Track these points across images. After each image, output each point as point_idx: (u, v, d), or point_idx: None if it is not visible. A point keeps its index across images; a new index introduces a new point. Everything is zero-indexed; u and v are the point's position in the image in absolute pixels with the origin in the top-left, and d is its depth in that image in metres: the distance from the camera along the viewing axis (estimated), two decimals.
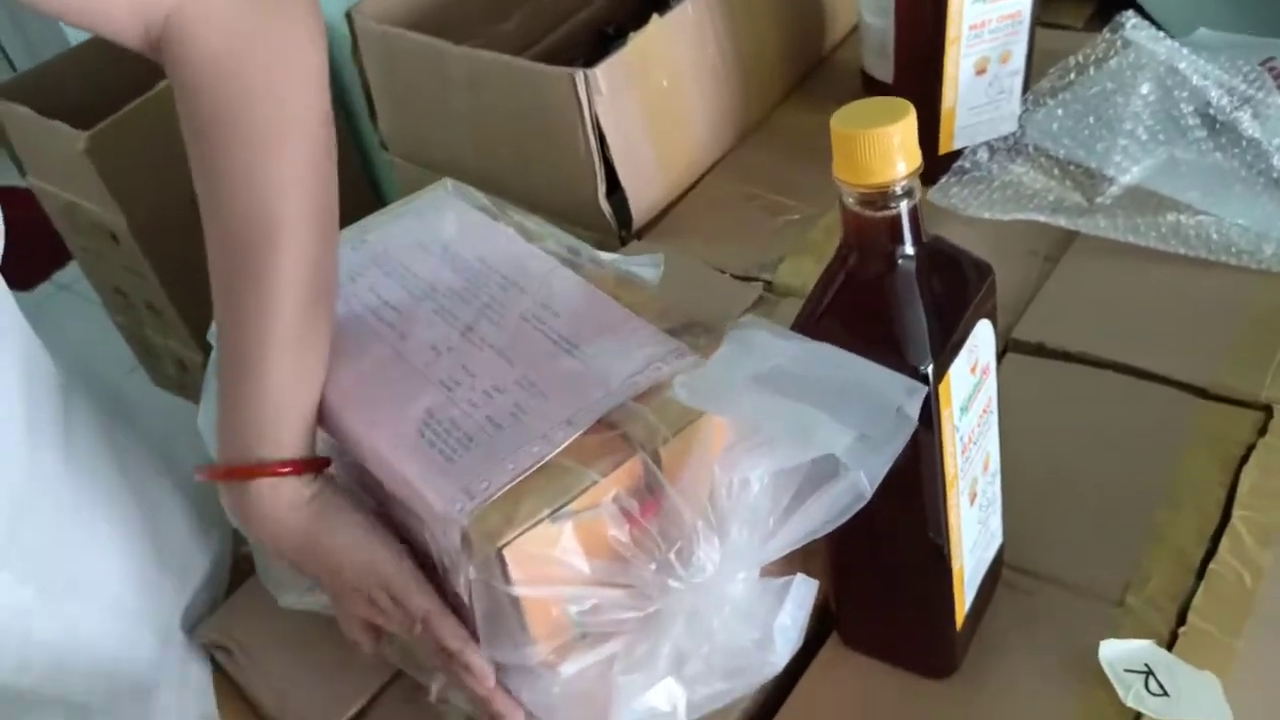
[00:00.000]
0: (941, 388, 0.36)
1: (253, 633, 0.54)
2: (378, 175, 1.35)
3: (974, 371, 0.38)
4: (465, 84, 0.70)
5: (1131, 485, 0.50)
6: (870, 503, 0.41)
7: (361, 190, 1.36)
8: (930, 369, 0.35)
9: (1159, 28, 0.86)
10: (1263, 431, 0.50)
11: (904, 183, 0.34)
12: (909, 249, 0.35)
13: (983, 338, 0.38)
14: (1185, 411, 0.53)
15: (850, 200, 0.35)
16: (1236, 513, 0.47)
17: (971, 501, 0.41)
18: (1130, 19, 0.65)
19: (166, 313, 1.21)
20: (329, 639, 0.48)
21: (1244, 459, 0.49)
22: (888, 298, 0.35)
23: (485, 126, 0.71)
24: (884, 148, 0.33)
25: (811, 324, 0.37)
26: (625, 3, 0.96)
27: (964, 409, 0.38)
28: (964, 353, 0.37)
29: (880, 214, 0.35)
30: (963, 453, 0.38)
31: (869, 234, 0.35)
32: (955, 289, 0.37)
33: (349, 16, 0.73)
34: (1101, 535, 0.48)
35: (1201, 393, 0.53)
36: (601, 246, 0.71)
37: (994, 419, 0.41)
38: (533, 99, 0.67)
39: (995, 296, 0.39)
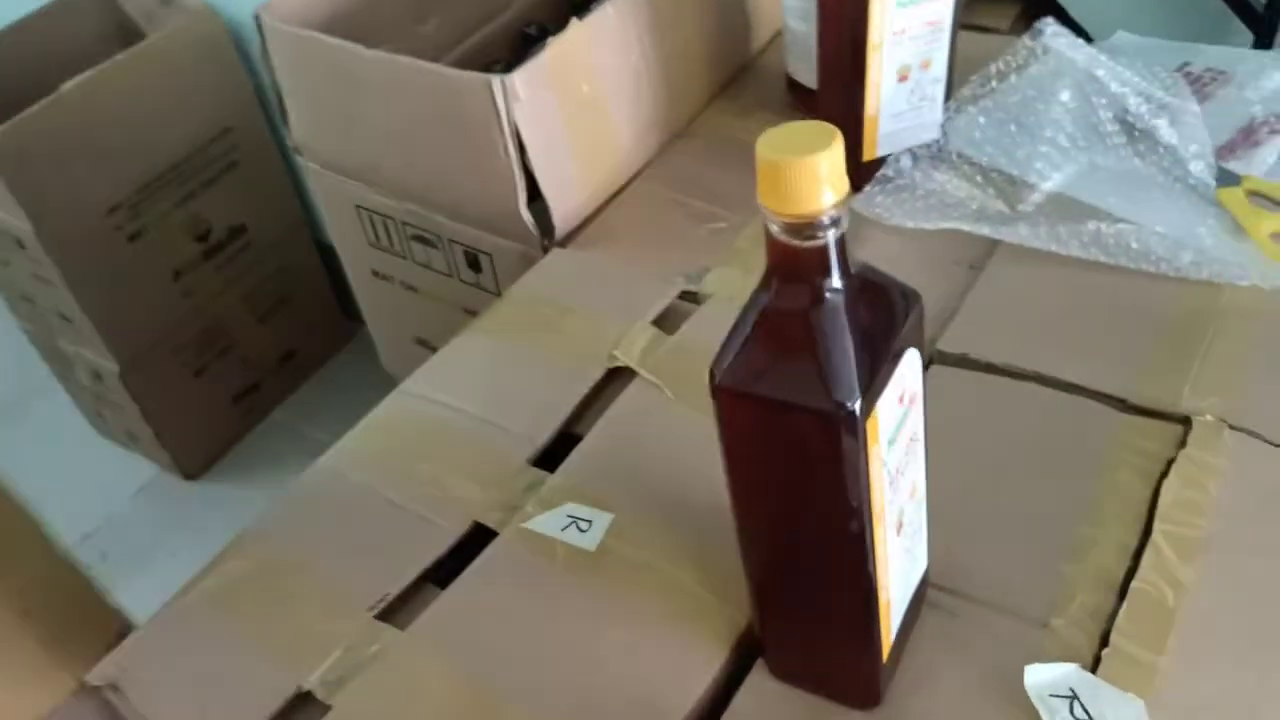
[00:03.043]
0: (869, 423, 0.35)
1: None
2: (301, 182, 1.31)
3: (902, 402, 0.37)
4: (380, 90, 0.67)
5: (1054, 501, 0.50)
6: (796, 534, 0.40)
7: (286, 197, 1.32)
8: (858, 405, 0.34)
9: (1079, 32, 0.87)
10: (1182, 444, 0.51)
11: (832, 212, 0.33)
12: (836, 281, 0.34)
13: (910, 366, 0.38)
14: (1106, 424, 0.53)
15: (776, 228, 0.34)
16: (1158, 527, 0.47)
17: (898, 531, 0.40)
18: (1049, 26, 0.66)
19: (79, 322, 1.15)
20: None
21: (1164, 473, 0.50)
22: (814, 332, 0.34)
23: (402, 133, 0.69)
24: (811, 176, 0.32)
25: (735, 354, 0.36)
26: (547, 4, 0.94)
27: (891, 441, 0.37)
28: (892, 384, 0.36)
29: (807, 243, 0.34)
30: (890, 484, 0.38)
31: (795, 263, 0.34)
32: (883, 318, 0.36)
33: (256, 17, 0.70)
34: (1025, 552, 0.48)
35: (1122, 404, 0.54)
36: (524, 255, 0.70)
37: (920, 446, 0.41)
38: (449, 106, 0.64)
39: (923, 323, 0.38)
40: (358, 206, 0.77)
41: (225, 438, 1.35)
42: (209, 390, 1.30)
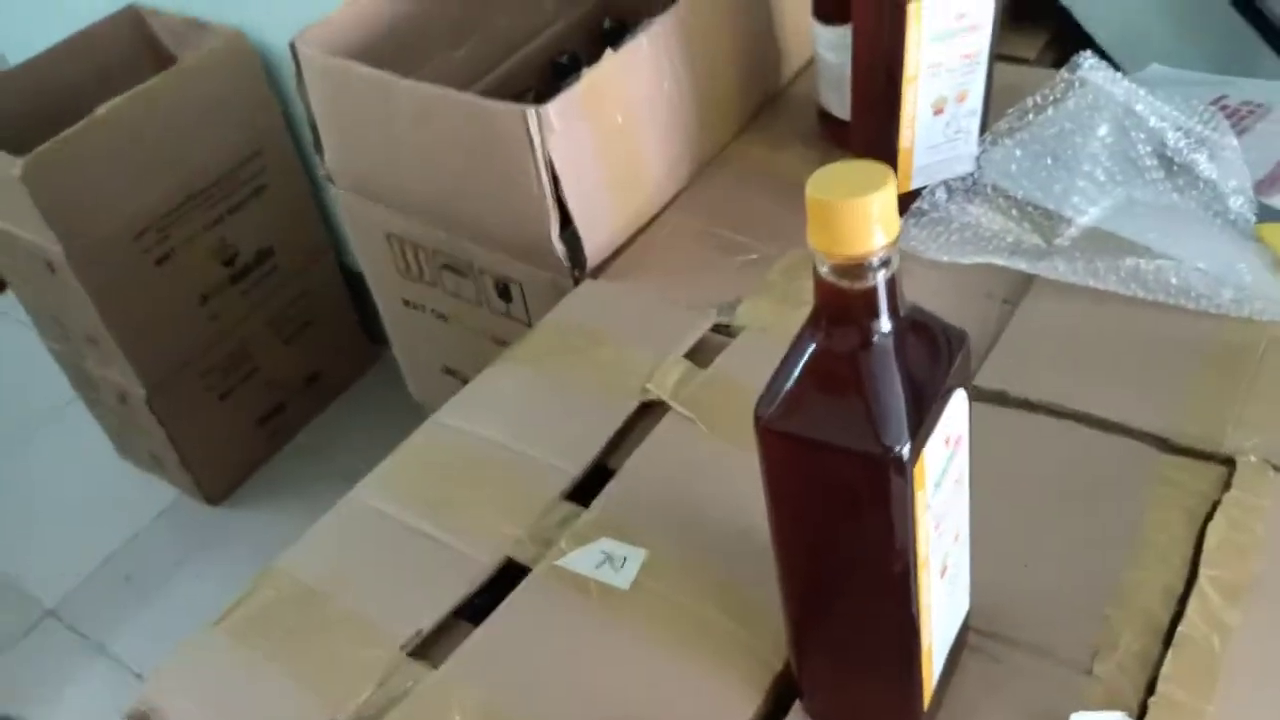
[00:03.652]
0: (916, 467, 0.34)
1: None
2: (327, 206, 1.31)
3: (948, 444, 0.37)
4: (413, 118, 0.67)
5: (1097, 543, 0.49)
6: (838, 575, 0.40)
7: (312, 222, 1.33)
8: (907, 449, 0.33)
9: (1113, 63, 0.86)
10: (1227, 485, 0.50)
11: (883, 253, 0.33)
12: (885, 324, 0.34)
13: (957, 408, 0.37)
14: (1148, 464, 0.52)
15: (825, 269, 0.33)
16: (1203, 571, 0.47)
17: (942, 575, 0.39)
18: (1087, 59, 0.65)
19: (105, 344, 1.16)
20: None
21: (1209, 514, 0.49)
22: (862, 375, 0.34)
23: (435, 161, 0.69)
24: (863, 217, 0.32)
25: (782, 395, 0.35)
26: (578, 32, 0.95)
27: (938, 484, 0.36)
28: (939, 426, 0.35)
29: (856, 285, 0.33)
30: (936, 528, 0.37)
31: (844, 305, 0.34)
32: (931, 359, 0.36)
33: (292, 46, 0.70)
34: (1068, 596, 0.47)
35: (1164, 443, 0.53)
36: (555, 285, 0.70)
37: (965, 488, 0.40)
38: (483, 135, 0.64)
39: (970, 364, 0.38)
40: (388, 235, 0.77)
41: (249, 462, 1.36)
42: (234, 413, 1.31)
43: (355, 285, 1.30)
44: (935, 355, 0.36)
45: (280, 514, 1.30)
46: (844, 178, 0.32)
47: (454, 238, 0.72)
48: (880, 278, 0.33)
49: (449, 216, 0.71)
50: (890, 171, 0.32)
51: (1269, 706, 0.42)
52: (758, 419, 0.36)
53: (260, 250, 1.27)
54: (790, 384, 0.35)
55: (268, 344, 1.32)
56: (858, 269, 0.33)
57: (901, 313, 0.34)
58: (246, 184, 1.22)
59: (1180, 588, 0.47)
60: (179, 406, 1.24)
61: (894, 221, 0.32)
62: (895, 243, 0.33)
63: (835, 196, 0.32)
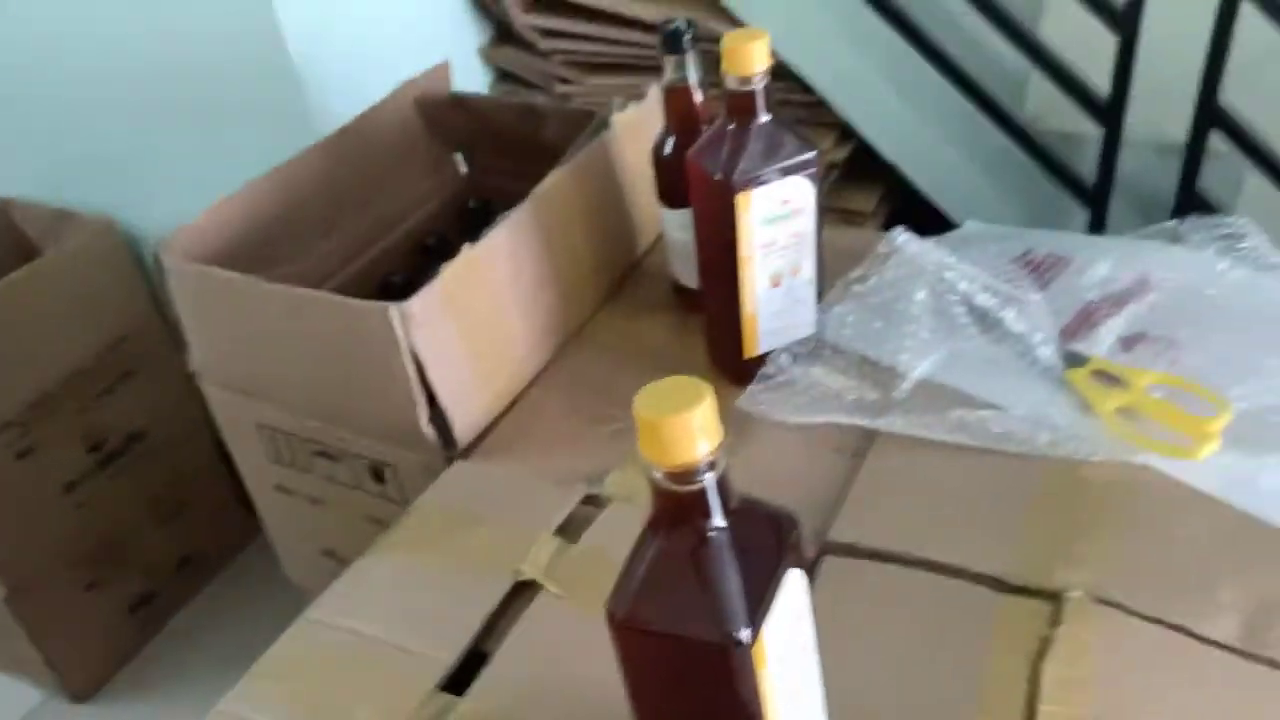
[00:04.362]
0: (758, 649, 0.37)
1: None
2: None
3: (789, 620, 0.40)
4: (281, 318, 0.70)
5: (945, 688, 0.52)
6: None
7: (184, 401, 1.31)
8: (747, 634, 0.36)
9: (941, 212, 0.95)
10: (1056, 621, 0.54)
11: (709, 458, 0.36)
12: (719, 520, 0.37)
13: (794, 586, 0.40)
14: (987, 605, 0.56)
15: (658, 476, 0.37)
16: (1042, 708, 0.50)
17: None
18: (900, 234, 0.73)
19: None
20: None
21: (1042, 652, 0.53)
22: (701, 569, 0.37)
23: (302, 356, 0.71)
24: (687, 430, 0.35)
25: (631, 593, 0.38)
26: (446, 211, 0.99)
27: (781, 659, 0.39)
28: (778, 606, 0.38)
29: (688, 488, 0.37)
30: (785, 699, 0.40)
31: (679, 506, 0.37)
32: (764, 546, 0.39)
33: (155, 258, 0.72)
34: None
35: (1000, 584, 0.57)
36: (428, 466, 0.71)
37: (812, 655, 0.43)
38: (349, 331, 0.67)
39: (803, 542, 0.41)
40: (259, 425, 0.78)
41: (120, 654, 1.29)
42: (102, 604, 1.25)
43: (231, 460, 1.28)
44: (768, 540, 0.40)
45: (154, 707, 1.23)
46: (668, 394, 0.36)
47: (326, 426, 0.74)
48: (709, 479, 0.37)
49: (319, 406, 0.73)
50: (708, 386, 0.36)
51: None
52: (610, 615, 0.38)
53: (130, 433, 1.25)
54: (637, 582, 0.38)
55: (139, 527, 1.28)
56: (688, 474, 0.36)
57: (733, 505, 0.38)
58: (113, 368, 1.21)
59: None
60: (42, 603, 1.18)
61: (716, 430, 0.36)
62: (719, 449, 0.36)
63: (661, 414, 0.35)
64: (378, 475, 0.74)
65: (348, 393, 0.71)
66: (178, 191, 0.95)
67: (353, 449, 0.74)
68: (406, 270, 0.91)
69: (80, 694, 1.26)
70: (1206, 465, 0.62)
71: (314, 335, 0.69)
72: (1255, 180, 1.04)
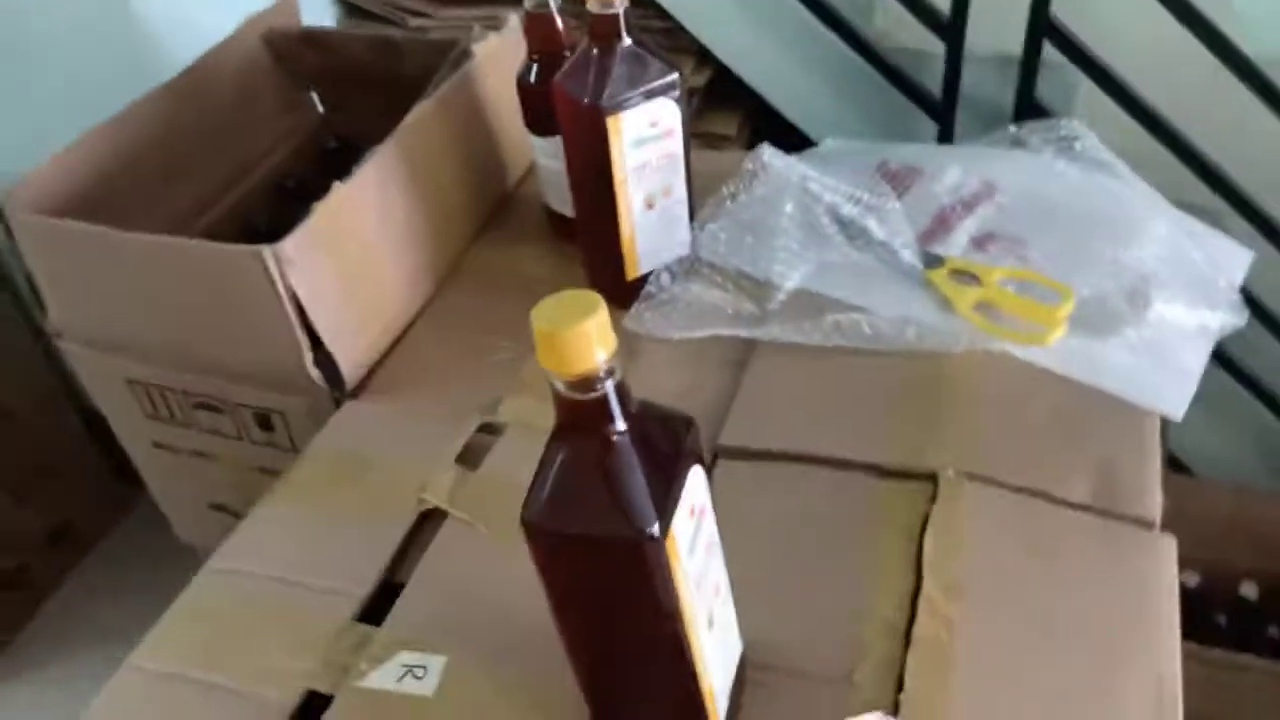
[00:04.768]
0: (669, 541, 0.39)
1: None
2: (56, 352, 1.23)
3: (693, 515, 0.42)
4: (144, 269, 0.67)
5: (841, 568, 0.56)
6: (620, 647, 0.44)
7: (38, 370, 1.24)
8: (656, 528, 0.38)
9: (801, 133, 0.98)
10: (933, 499, 0.59)
11: (606, 366, 0.38)
12: (620, 424, 0.39)
13: (696, 483, 0.42)
14: (870, 491, 0.60)
15: (560, 386, 0.38)
16: (926, 578, 0.55)
17: (710, 627, 0.44)
18: (766, 151, 0.75)
19: None
20: None
21: (923, 526, 0.57)
22: (609, 473, 0.39)
23: (170, 307, 0.69)
24: (585, 339, 0.37)
25: (543, 498, 0.39)
26: (303, 155, 0.96)
27: (690, 552, 0.41)
28: (683, 502, 0.41)
29: (589, 396, 0.38)
30: (696, 589, 0.42)
31: (582, 415, 0.39)
32: (665, 446, 0.41)
33: (0, 210, 0.68)
34: (824, 620, 0.54)
35: (879, 470, 0.61)
36: (315, 410, 0.71)
37: (717, 548, 0.46)
38: (219, 277, 0.65)
39: (700, 442, 0.44)
40: (129, 381, 0.76)
41: None
42: None
43: (99, 427, 1.23)
44: (668, 441, 0.42)
45: (44, 691, 1.19)
46: (562, 307, 0.37)
47: (203, 377, 0.72)
48: (609, 386, 0.38)
49: (195, 358, 0.71)
50: (600, 298, 0.37)
51: (992, 678, 0.50)
52: (524, 522, 0.40)
53: None
54: (548, 489, 0.39)
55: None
56: (588, 382, 0.38)
57: (633, 410, 0.40)
58: None
59: (911, 596, 0.54)
60: None
61: (611, 339, 0.37)
62: (614, 356, 0.38)
63: (559, 326, 0.36)
64: (264, 423, 0.73)
65: (224, 341, 0.69)
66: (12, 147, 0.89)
67: (235, 398, 0.72)
68: (268, 214, 0.88)
69: None
70: (1055, 348, 0.67)
71: (183, 284, 0.67)
72: (1087, 86, 1.11)
